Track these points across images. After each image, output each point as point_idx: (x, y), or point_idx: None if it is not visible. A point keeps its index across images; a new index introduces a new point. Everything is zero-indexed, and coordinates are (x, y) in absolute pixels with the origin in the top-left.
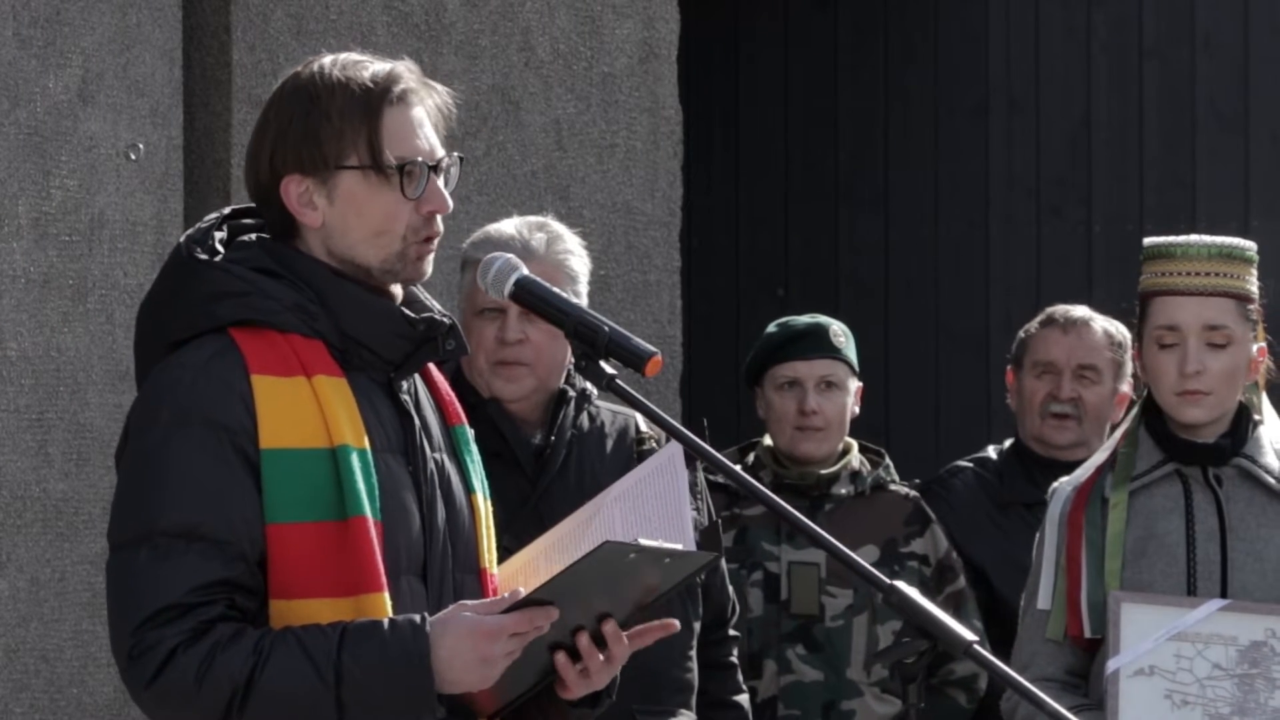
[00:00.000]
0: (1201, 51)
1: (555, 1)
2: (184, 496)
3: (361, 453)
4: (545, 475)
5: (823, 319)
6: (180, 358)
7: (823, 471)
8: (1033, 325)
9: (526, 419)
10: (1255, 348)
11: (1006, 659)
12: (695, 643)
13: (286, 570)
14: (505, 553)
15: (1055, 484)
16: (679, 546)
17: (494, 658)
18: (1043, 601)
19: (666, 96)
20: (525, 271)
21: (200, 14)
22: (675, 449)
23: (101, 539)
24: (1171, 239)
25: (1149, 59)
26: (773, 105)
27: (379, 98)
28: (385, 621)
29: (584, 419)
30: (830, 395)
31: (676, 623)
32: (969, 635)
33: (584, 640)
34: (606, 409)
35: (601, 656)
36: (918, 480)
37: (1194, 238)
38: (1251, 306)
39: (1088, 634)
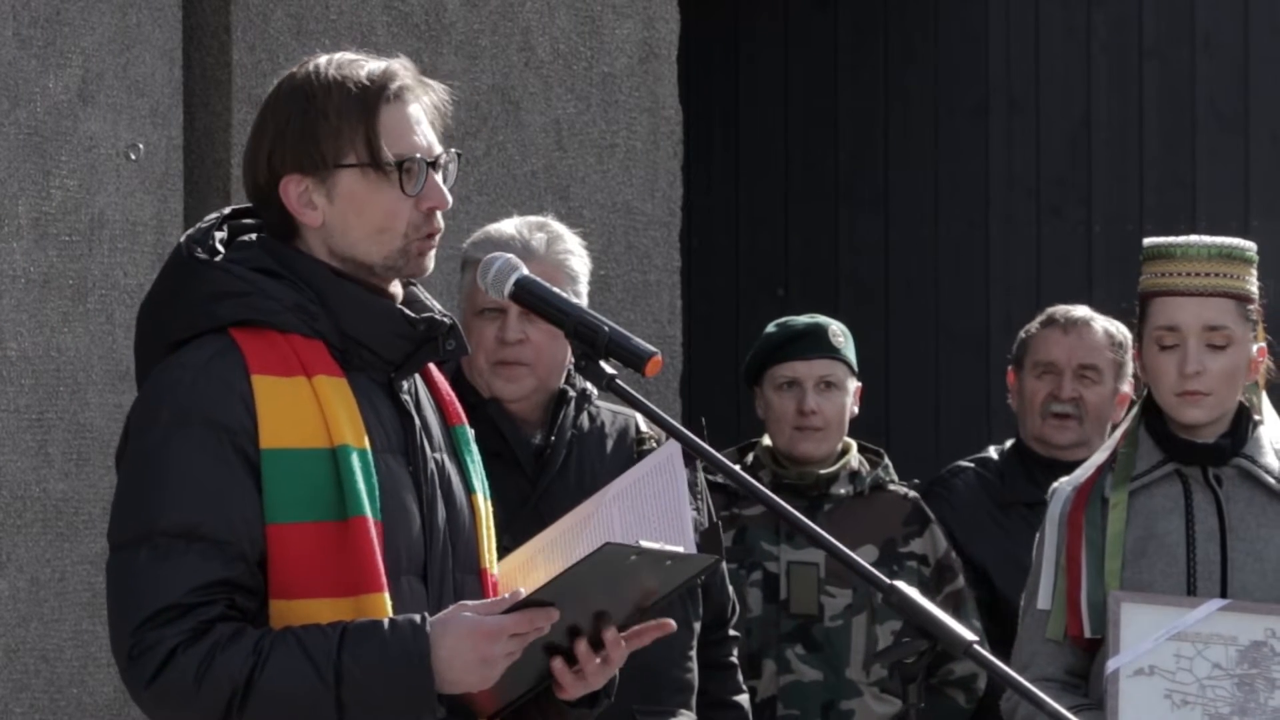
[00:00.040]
0: (1201, 51)
1: (555, 1)
2: (184, 496)
3: (362, 453)
4: (545, 475)
5: (822, 319)
6: (180, 358)
7: (822, 471)
8: (1033, 325)
9: (527, 419)
10: (1255, 348)
11: (1008, 659)
12: (695, 643)
13: (286, 570)
14: (505, 552)
15: (1055, 484)
16: (680, 549)
17: (494, 658)
18: (1043, 601)
19: (666, 96)
20: (525, 271)
21: (200, 14)
22: (674, 448)
23: (101, 539)
24: (1171, 239)
25: (1149, 59)
26: (773, 105)
27: (375, 95)
28: (385, 621)
29: (584, 419)
30: (829, 395)
31: (672, 623)
32: (969, 635)
33: (581, 647)
34: (607, 409)
35: (598, 659)
36: (917, 480)
37: (1194, 238)
38: (1251, 307)
39: (1088, 634)
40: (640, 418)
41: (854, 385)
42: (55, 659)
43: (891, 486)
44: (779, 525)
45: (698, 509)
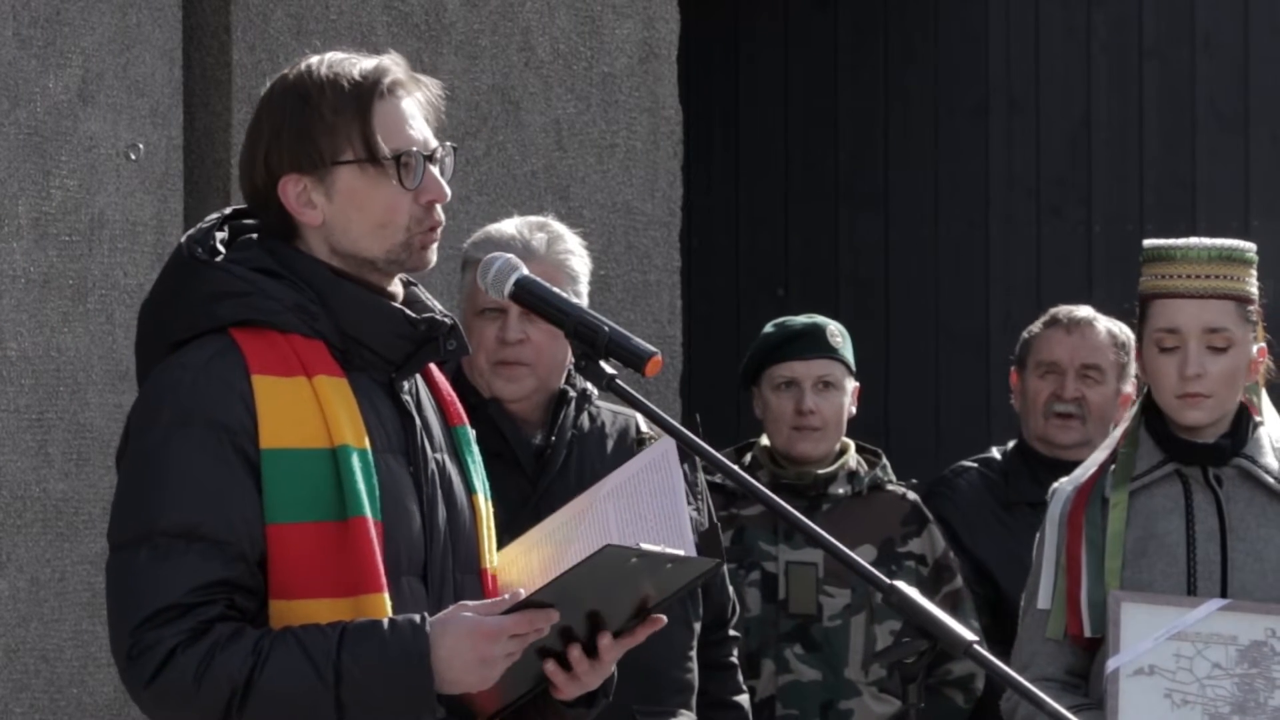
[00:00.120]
0: (1201, 51)
1: (555, 1)
2: (184, 496)
3: (362, 453)
4: (546, 475)
5: (819, 319)
6: (181, 358)
7: (820, 471)
8: (1036, 326)
9: (527, 419)
10: (1255, 348)
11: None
12: (695, 643)
13: (286, 570)
14: None
15: (1055, 484)
16: (681, 552)
17: (493, 658)
18: (1043, 601)
19: (666, 96)
20: (525, 271)
21: (200, 14)
22: (669, 444)
23: (101, 539)
24: (1171, 241)
25: (1149, 59)
26: (773, 105)
27: (369, 91)
28: (385, 621)
29: (584, 419)
30: (827, 395)
31: (664, 618)
32: (969, 635)
33: (574, 651)
34: (607, 409)
35: (589, 661)
36: (914, 480)
37: (1194, 240)
38: (1251, 307)
39: (1087, 633)
40: (640, 418)
41: (852, 385)
42: (55, 659)
43: (890, 486)
44: (777, 525)
45: (697, 509)
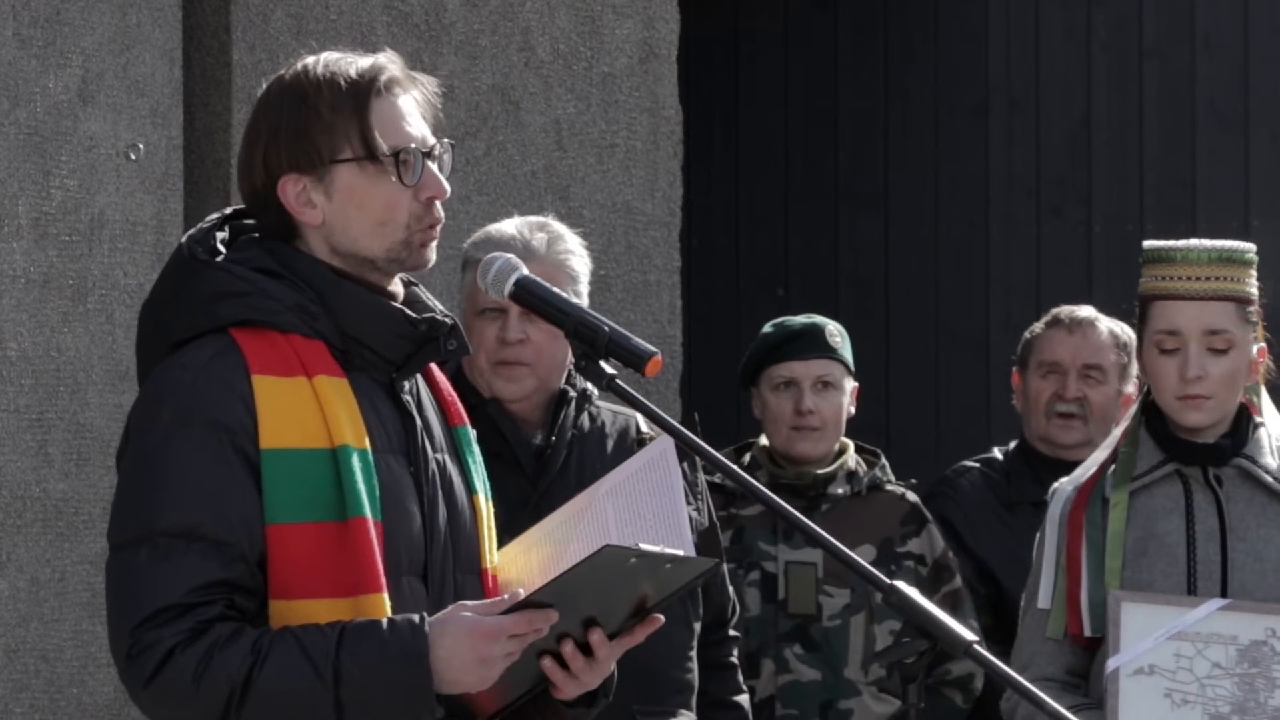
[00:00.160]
0: (1201, 51)
1: (555, 1)
2: (184, 497)
3: (362, 453)
4: (546, 475)
5: (818, 319)
6: (181, 358)
7: (819, 471)
8: (1038, 326)
9: (527, 419)
10: (1255, 348)
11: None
12: (695, 643)
13: (286, 570)
14: None
15: (1056, 484)
16: (680, 552)
17: (493, 658)
18: (1043, 601)
19: (666, 96)
20: (525, 271)
21: (200, 14)
22: (667, 443)
23: (101, 539)
24: (1171, 243)
25: (1149, 59)
26: (773, 105)
27: (366, 89)
28: (384, 621)
29: (584, 419)
30: (826, 395)
31: (662, 618)
32: (969, 635)
33: (568, 648)
34: (607, 409)
35: (584, 659)
36: (914, 480)
37: (1194, 242)
38: (1251, 308)
39: (1087, 632)
40: (640, 418)
41: (851, 385)
42: (55, 659)
43: (889, 486)
44: (776, 525)
45: (697, 509)
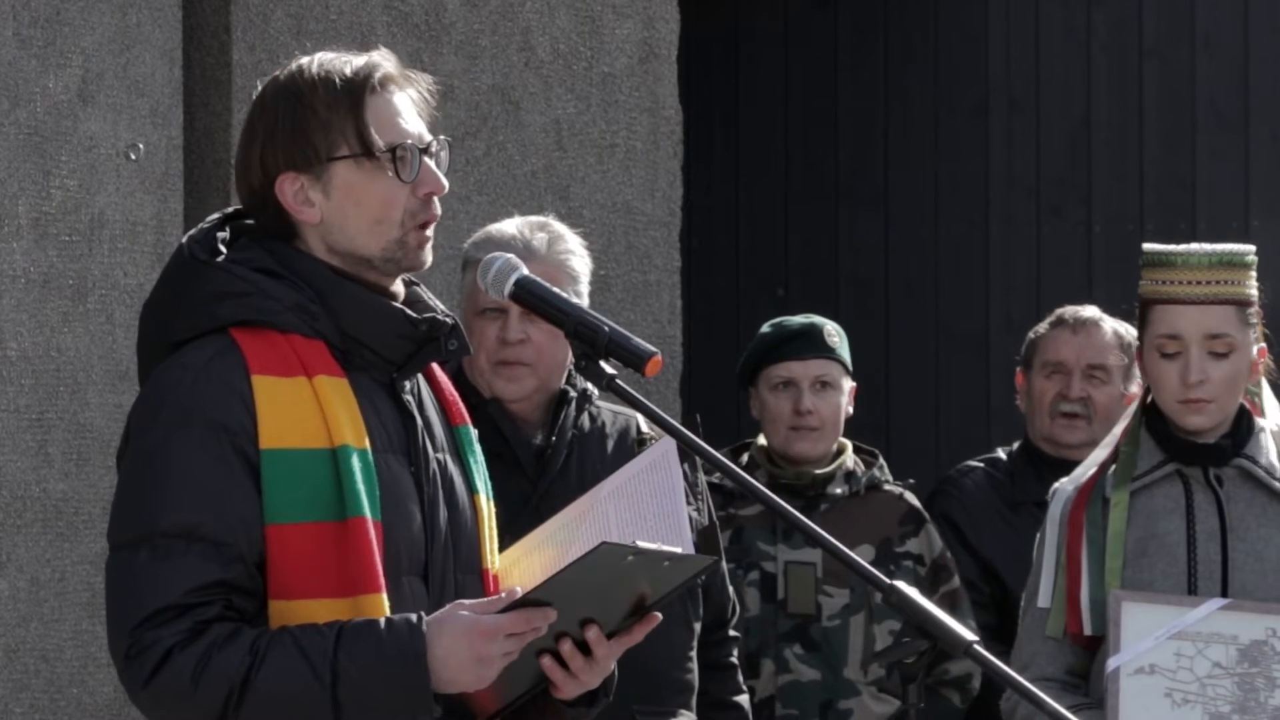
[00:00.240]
0: (1201, 51)
1: (555, 1)
2: (184, 497)
3: (362, 453)
4: (546, 476)
5: (817, 319)
6: (181, 358)
7: (818, 471)
8: (1042, 326)
9: (527, 419)
10: (1255, 348)
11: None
12: (695, 643)
13: (285, 571)
14: None
15: (1056, 484)
16: (678, 550)
17: (490, 657)
18: (1043, 600)
19: (666, 96)
20: (525, 271)
21: (200, 14)
22: (669, 444)
23: (101, 539)
24: (1171, 247)
25: (1149, 59)
26: (773, 105)
27: (361, 86)
28: (382, 621)
29: (585, 419)
30: (825, 395)
31: (659, 616)
32: (969, 635)
33: (566, 646)
34: (607, 409)
35: (583, 658)
36: (912, 480)
37: (1194, 247)
38: (1251, 310)
39: (1087, 631)
40: (641, 418)
41: (849, 385)
42: (55, 659)
43: (887, 487)
44: (776, 525)
45: (697, 509)
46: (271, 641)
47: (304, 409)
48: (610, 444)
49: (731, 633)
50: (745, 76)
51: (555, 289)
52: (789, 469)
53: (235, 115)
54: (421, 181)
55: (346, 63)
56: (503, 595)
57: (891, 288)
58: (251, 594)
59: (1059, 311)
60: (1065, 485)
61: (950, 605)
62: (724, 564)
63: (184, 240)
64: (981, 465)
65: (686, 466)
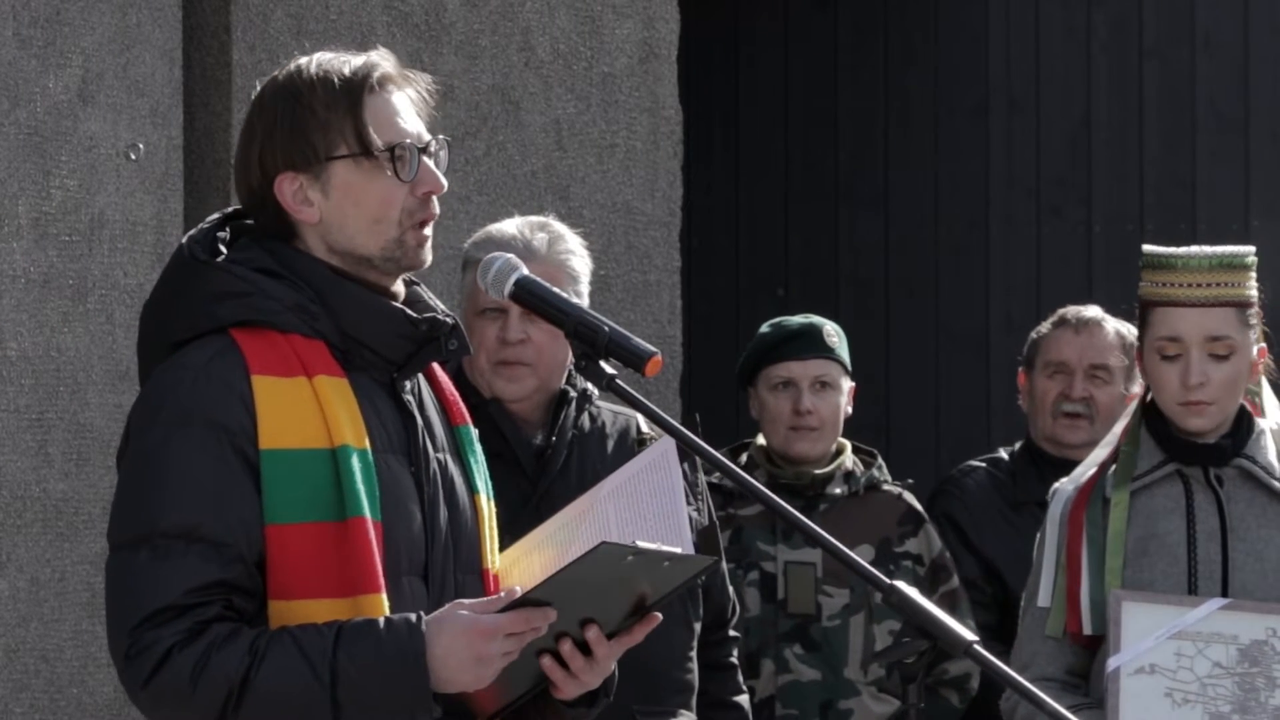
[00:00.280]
0: (1201, 51)
1: (555, 1)
2: (184, 497)
3: (362, 453)
4: (546, 476)
5: (816, 319)
6: (181, 358)
7: (817, 471)
8: (1045, 326)
9: (527, 419)
10: (1255, 348)
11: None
12: (695, 643)
13: (285, 571)
14: None
15: (1057, 484)
16: (678, 550)
17: (489, 657)
18: (1043, 599)
19: (666, 96)
20: (525, 271)
21: (200, 14)
22: (669, 444)
23: (101, 539)
24: (1171, 250)
25: (1149, 59)
26: (773, 105)
27: (359, 86)
28: (381, 620)
29: (585, 419)
30: (824, 395)
31: (659, 616)
32: (969, 635)
33: (566, 646)
34: (607, 409)
35: (583, 658)
36: (910, 480)
37: (1194, 250)
38: (1251, 311)
39: (1087, 631)
40: (641, 418)
41: (848, 385)
42: (55, 659)
43: (885, 487)
44: (775, 525)
45: (697, 509)
46: (271, 641)
47: (304, 409)
48: (610, 444)
49: (731, 633)
50: (745, 76)
51: (555, 289)
52: (788, 469)
53: (235, 115)
54: (420, 181)
55: (345, 63)
56: (502, 595)
57: (891, 288)
58: (251, 594)
59: (1061, 311)
60: (1065, 485)
61: (949, 605)
62: (724, 564)
63: (184, 240)
64: (983, 465)
65: (686, 466)
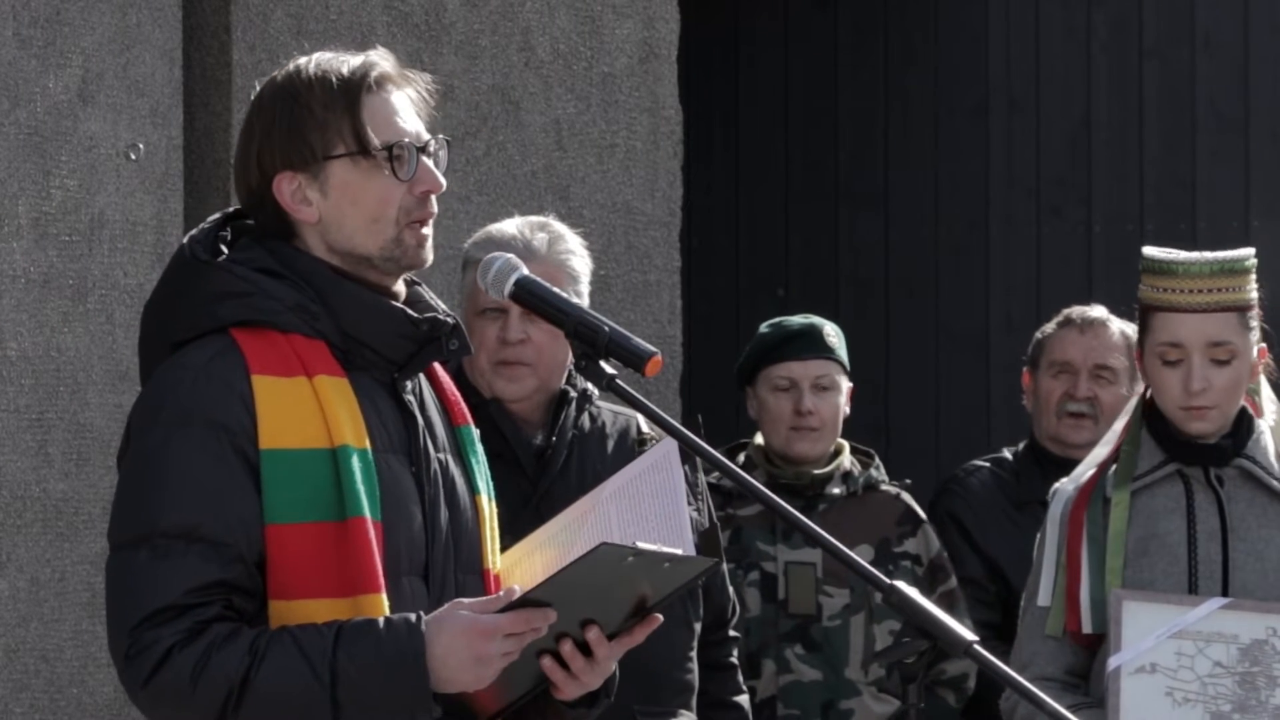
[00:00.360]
0: (1201, 51)
1: (555, 1)
2: (184, 497)
3: (362, 453)
4: (546, 476)
5: (815, 319)
6: (182, 358)
7: (816, 472)
8: (1049, 326)
9: (528, 419)
10: (1255, 349)
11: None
12: (695, 644)
13: (285, 571)
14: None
15: (1057, 484)
16: (678, 551)
17: (489, 657)
18: (1043, 599)
19: (666, 96)
20: (525, 271)
21: (200, 14)
22: (670, 445)
23: (101, 539)
24: (1171, 256)
25: (1149, 59)
26: (773, 105)
27: (357, 85)
28: (381, 620)
29: (585, 419)
30: (825, 396)
31: (660, 617)
32: (969, 635)
33: (566, 647)
34: (607, 409)
35: (584, 659)
36: (908, 480)
37: (1195, 255)
38: (1252, 313)
39: (1087, 630)
40: (641, 418)
41: (847, 385)
42: (55, 659)
43: (884, 487)
44: (775, 525)
45: (698, 510)
46: (271, 641)
47: (304, 409)
48: (610, 444)
49: (731, 633)
50: (745, 76)
51: (555, 289)
52: (787, 469)
53: (235, 115)
54: (418, 180)
55: (344, 62)
56: (502, 594)
57: (891, 288)
58: (251, 594)
59: (1066, 311)
60: (1065, 485)
61: (947, 605)
62: (724, 564)
63: (185, 240)
64: (987, 465)
65: (687, 467)
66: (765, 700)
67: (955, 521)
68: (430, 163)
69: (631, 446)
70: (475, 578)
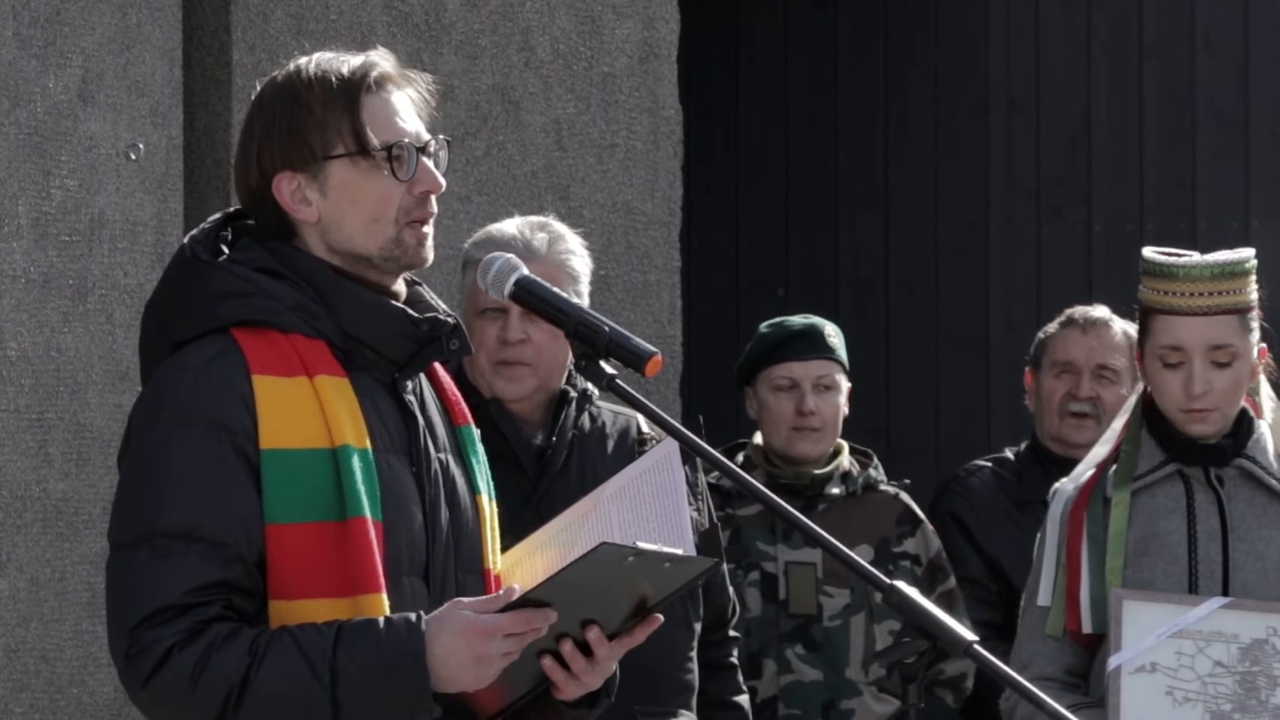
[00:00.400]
0: (1201, 51)
1: (555, 1)
2: (184, 497)
3: (363, 453)
4: (546, 476)
5: (816, 320)
6: (182, 358)
7: (816, 472)
8: (1052, 326)
9: (528, 419)
10: (1255, 350)
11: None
12: (696, 644)
13: (286, 571)
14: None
15: (1057, 484)
16: (679, 551)
17: (489, 657)
18: (1043, 599)
19: (666, 96)
20: (525, 271)
21: (200, 14)
22: (671, 446)
23: (101, 539)
24: (1172, 259)
25: (1149, 59)
26: (773, 105)
27: (357, 85)
28: (381, 620)
29: (585, 419)
30: (825, 396)
31: (661, 618)
32: (969, 635)
33: (567, 647)
34: (608, 409)
35: (584, 659)
36: (907, 480)
37: (1195, 259)
38: (1252, 314)
39: (1087, 630)
40: (641, 418)
41: (846, 386)
42: (55, 659)
43: (883, 487)
44: (775, 525)
45: (698, 510)
46: (271, 641)
47: (305, 409)
48: (610, 444)
49: (732, 633)
50: (745, 76)
51: (555, 289)
52: (787, 469)
53: (235, 115)
54: (418, 180)
55: (344, 62)
56: (502, 594)
57: (891, 288)
58: (251, 594)
59: (1069, 311)
60: (1066, 485)
61: (946, 605)
62: (724, 564)
63: (186, 240)
64: (989, 464)
65: (687, 467)
66: (766, 700)
67: (957, 521)
68: (430, 163)
69: (632, 447)
70: (476, 578)
